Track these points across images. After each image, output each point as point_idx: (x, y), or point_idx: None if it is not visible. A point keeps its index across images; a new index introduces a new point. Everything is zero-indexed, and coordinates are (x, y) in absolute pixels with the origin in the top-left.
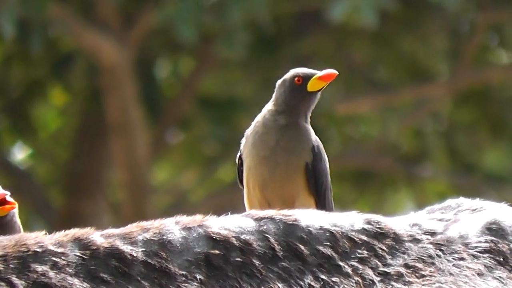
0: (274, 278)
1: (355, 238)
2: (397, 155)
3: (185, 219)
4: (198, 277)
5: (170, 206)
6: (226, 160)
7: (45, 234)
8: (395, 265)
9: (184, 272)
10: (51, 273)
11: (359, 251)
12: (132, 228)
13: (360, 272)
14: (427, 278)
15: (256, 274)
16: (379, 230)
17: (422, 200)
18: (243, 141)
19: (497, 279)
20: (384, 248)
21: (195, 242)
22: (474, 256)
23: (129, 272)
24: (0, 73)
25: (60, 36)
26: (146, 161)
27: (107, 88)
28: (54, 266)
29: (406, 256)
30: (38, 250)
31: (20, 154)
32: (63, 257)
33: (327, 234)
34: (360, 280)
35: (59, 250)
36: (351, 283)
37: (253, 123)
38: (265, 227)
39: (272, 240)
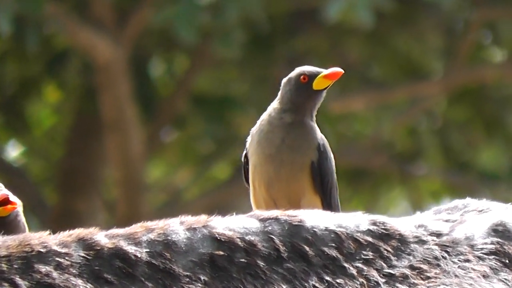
0: (279, 279)
1: (360, 239)
2: (391, 153)
3: (190, 220)
4: (202, 278)
5: (164, 204)
6: (221, 158)
7: (49, 234)
8: (400, 266)
9: (188, 273)
10: (55, 274)
11: (364, 252)
12: (137, 228)
13: (365, 273)
14: (432, 280)
15: (260, 275)
16: (384, 231)
17: (416, 198)
18: (249, 139)
19: (503, 281)
20: (389, 249)
21: (200, 243)
22: (479, 257)
23: (133, 272)
24: None
25: (55, 33)
26: (141, 159)
27: (102, 86)
28: (58, 266)
29: (411, 258)
30: (42, 250)
31: (14, 151)
32: (67, 258)
33: (332, 235)
34: (365, 282)
35: (63, 250)
36: (356, 285)
37: (258, 121)
38: (270, 228)
39: (277, 241)
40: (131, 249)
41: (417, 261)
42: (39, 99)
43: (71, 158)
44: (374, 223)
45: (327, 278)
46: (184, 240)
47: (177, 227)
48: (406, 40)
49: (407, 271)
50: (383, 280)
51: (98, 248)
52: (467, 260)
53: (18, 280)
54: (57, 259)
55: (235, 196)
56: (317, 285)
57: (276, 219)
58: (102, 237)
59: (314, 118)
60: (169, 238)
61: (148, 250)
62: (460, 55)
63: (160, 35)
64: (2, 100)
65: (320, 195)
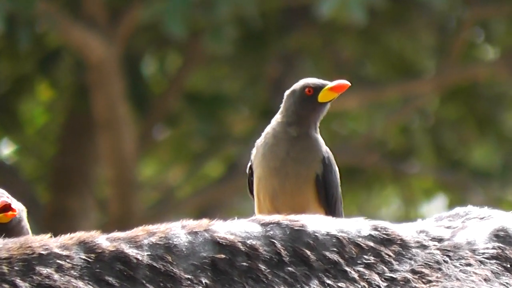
0: (280, 283)
1: (361, 244)
2: (383, 152)
3: (191, 223)
4: (204, 281)
5: (157, 203)
6: (213, 156)
7: (50, 237)
8: (402, 270)
9: (189, 276)
10: (56, 276)
11: (365, 256)
12: (138, 232)
13: (366, 277)
14: (434, 283)
15: (262, 279)
16: (386, 236)
17: (408, 197)
18: (253, 151)
19: (504, 285)
20: (391, 254)
21: (201, 247)
22: (481, 262)
23: (134, 275)
24: None
25: (47, 32)
26: (133, 157)
27: (94, 84)
28: (59, 268)
29: (412, 262)
30: (43, 252)
31: (6, 149)
32: (68, 260)
33: (334, 240)
34: (367, 286)
35: (64, 253)
36: None
37: (263, 134)
38: (271, 232)
39: (278, 245)
40: (132, 252)
41: (418, 265)
42: (31, 97)
43: (63, 156)
44: (376, 228)
45: (329, 282)
46: (186, 244)
47: (178, 230)
48: (398, 38)
49: (409, 275)
50: (385, 284)
51: (99, 251)
52: (469, 264)
53: (19, 282)
54: (58, 261)
55: (227, 194)
56: None
57: (278, 224)
58: (103, 240)
59: (318, 130)
60: (171, 241)
61: (149, 253)
62: (453, 54)
63: (153, 33)
64: None
65: (324, 207)
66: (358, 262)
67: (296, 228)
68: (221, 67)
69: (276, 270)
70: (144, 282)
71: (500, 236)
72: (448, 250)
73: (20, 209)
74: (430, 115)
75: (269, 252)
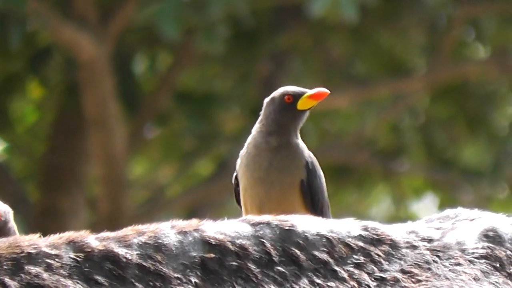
0: (270, 282)
1: (351, 244)
2: (374, 150)
3: (181, 223)
4: (193, 280)
5: (147, 201)
6: (204, 155)
7: (40, 236)
8: (391, 270)
9: (179, 275)
10: (45, 275)
11: (355, 256)
12: (128, 231)
13: (356, 277)
14: (423, 283)
15: (251, 278)
16: (375, 237)
17: (399, 195)
18: (238, 161)
19: (493, 284)
20: (381, 254)
21: (191, 246)
22: (470, 261)
23: (123, 274)
24: None
25: (38, 30)
26: (123, 155)
27: (85, 82)
28: (48, 267)
29: (402, 262)
30: (32, 251)
31: None
32: (57, 259)
33: (324, 240)
34: (356, 285)
35: (53, 252)
36: None
37: (245, 144)
38: (261, 232)
39: (268, 245)
40: (121, 251)
41: (408, 265)
42: (22, 95)
43: (53, 154)
44: (366, 229)
45: (318, 281)
46: (175, 243)
47: (168, 230)
48: (389, 36)
49: (398, 275)
50: (375, 284)
51: (89, 250)
52: (458, 264)
53: (8, 281)
54: (47, 260)
55: (217, 193)
56: None
57: (268, 224)
58: (92, 239)
59: (299, 136)
60: (160, 241)
61: (138, 252)
62: (443, 52)
63: (144, 32)
64: None
65: (311, 213)
66: (348, 262)
67: (286, 228)
68: (212, 66)
69: (265, 270)
70: (134, 281)
71: (490, 236)
72: (438, 250)
73: (6, 211)
74: (420, 113)
75: (259, 251)
